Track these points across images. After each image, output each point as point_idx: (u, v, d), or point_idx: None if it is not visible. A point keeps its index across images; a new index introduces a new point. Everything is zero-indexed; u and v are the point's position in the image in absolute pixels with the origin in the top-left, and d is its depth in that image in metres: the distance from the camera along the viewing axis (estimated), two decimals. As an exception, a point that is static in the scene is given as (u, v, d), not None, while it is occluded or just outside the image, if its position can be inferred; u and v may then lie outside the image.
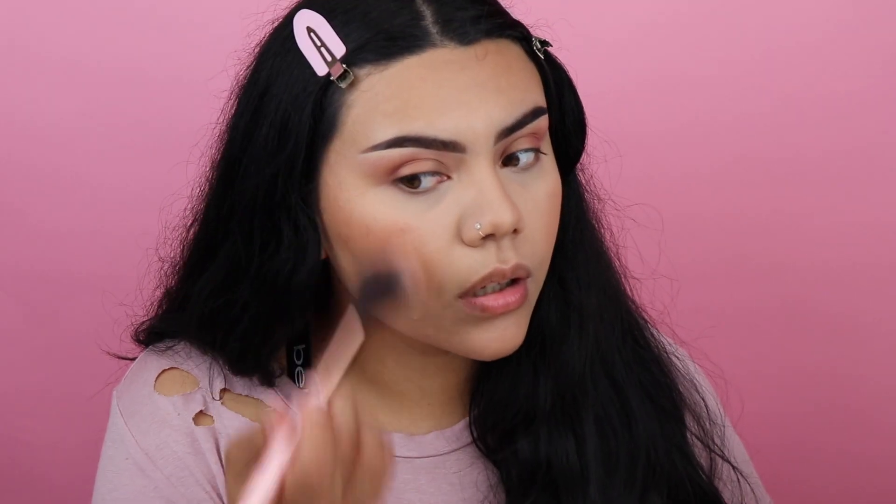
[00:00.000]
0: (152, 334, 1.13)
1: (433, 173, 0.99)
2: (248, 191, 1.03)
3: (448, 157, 0.98)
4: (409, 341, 1.07)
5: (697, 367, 1.23)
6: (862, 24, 1.54)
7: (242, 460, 0.88)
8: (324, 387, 0.89)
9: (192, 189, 1.10)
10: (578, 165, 1.13)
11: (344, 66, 0.99)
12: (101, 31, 1.49)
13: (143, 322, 1.14)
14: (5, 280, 1.53)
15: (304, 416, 0.86)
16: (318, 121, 1.00)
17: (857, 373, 1.61)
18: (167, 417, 1.07)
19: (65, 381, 1.55)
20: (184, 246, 1.11)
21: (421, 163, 0.98)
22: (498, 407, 1.10)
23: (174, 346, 1.11)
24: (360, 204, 1.00)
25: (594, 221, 1.13)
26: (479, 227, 0.98)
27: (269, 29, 1.05)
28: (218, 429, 1.07)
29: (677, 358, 1.20)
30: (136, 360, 1.13)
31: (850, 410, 1.62)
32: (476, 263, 0.99)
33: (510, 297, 1.00)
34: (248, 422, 1.08)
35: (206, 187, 1.09)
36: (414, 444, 1.10)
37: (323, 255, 1.04)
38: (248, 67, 1.06)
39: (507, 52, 1.02)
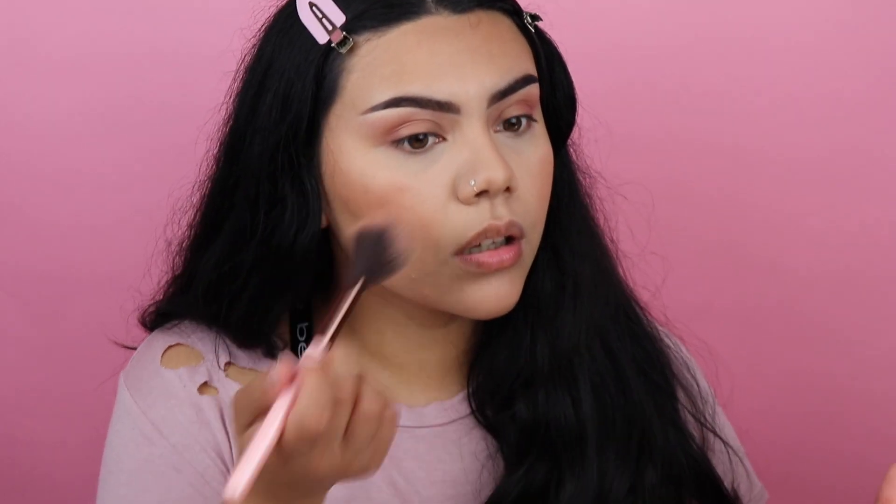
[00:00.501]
0: (158, 317, 1.16)
1: (429, 134, 1.03)
2: (252, 161, 1.06)
3: (443, 118, 1.03)
4: (409, 313, 1.11)
5: (689, 352, 1.27)
6: (862, 24, 1.55)
7: (248, 409, 0.90)
8: (323, 337, 0.90)
9: (200, 167, 1.13)
10: (572, 145, 1.17)
11: (344, 32, 1.04)
12: (102, 14, 1.50)
13: (150, 306, 1.17)
14: (5, 279, 1.53)
15: (303, 363, 0.88)
16: (319, 87, 1.04)
17: (850, 370, 1.62)
18: (173, 389, 1.10)
19: (65, 380, 1.55)
20: (191, 227, 1.14)
21: (417, 123, 1.03)
22: (496, 375, 1.13)
23: (179, 324, 1.14)
24: (359, 164, 1.04)
25: (586, 198, 1.17)
26: (473, 183, 1.02)
27: (273, 10, 1.10)
28: (222, 399, 1.10)
29: (668, 339, 1.24)
30: (142, 343, 1.16)
31: (843, 408, 1.63)
32: (471, 220, 1.03)
33: (505, 254, 1.04)
34: None
35: (213, 165, 1.12)
36: (414, 415, 1.13)
37: (325, 223, 1.08)
38: (253, 47, 1.10)
39: (498, 23, 1.08)
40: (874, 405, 1.60)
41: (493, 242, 1.05)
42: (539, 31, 1.12)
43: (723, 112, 1.55)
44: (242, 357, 1.12)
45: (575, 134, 1.17)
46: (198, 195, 1.14)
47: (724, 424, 1.26)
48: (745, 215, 1.58)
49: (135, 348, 1.17)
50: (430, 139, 1.04)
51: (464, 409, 1.14)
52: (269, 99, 1.06)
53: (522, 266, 1.07)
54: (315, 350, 0.89)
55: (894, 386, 1.61)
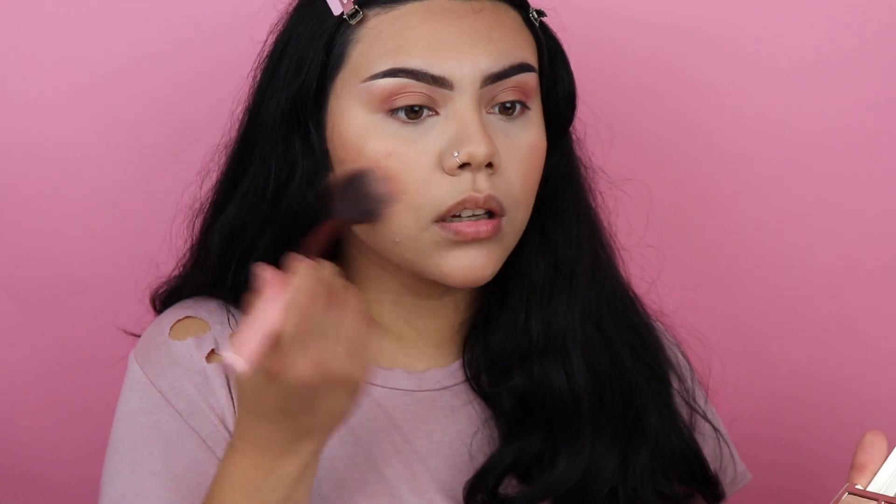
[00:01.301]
0: (168, 296, 1.23)
1: (423, 107, 1.11)
2: (268, 119, 1.15)
3: (437, 92, 1.10)
4: (405, 283, 1.18)
5: (679, 344, 1.31)
6: (862, 24, 1.56)
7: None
8: (310, 251, 0.97)
9: (221, 138, 1.22)
10: (576, 141, 1.22)
11: (356, 6, 1.12)
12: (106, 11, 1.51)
13: (160, 286, 1.25)
14: (5, 280, 1.53)
15: (295, 265, 0.95)
16: (329, 54, 1.13)
17: (850, 372, 1.63)
18: (180, 359, 1.16)
19: (65, 380, 1.55)
20: (212, 189, 1.22)
21: (412, 95, 1.10)
22: (492, 350, 1.19)
23: (186, 301, 1.21)
24: (356, 128, 1.12)
25: (586, 191, 1.23)
26: (456, 155, 1.10)
27: None
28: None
29: (661, 329, 1.29)
30: (151, 324, 1.22)
31: (838, 401, 1.63)
32: (452, 189, 1.10)
33: (483, 226, 1.11)
34: None
35: (237, 126, 1.21)
36: (413, 379, 1.19)
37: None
38: (282, 19, 1.19)
39: (503, 13, 1.15)
40: (872, 402, 1.62)
41: (474, 214, 1.11)
42: (544, 27, 1.18)
43: (723, 110, 1.58)
44: None
45: (579, 130, 1.22)
46: (223, 156, 1.21)
47: (712, 410, 1.31)
48: (746, 215, 1.60)
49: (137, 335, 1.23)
50: (424, 112, 1.11)
51: (460, 375, 1.21)
52: (286, 62, 1.15)
53: (502, 242, 1.14)
54: (300, 259, 0.96)
55: (894, 386, 1.62)
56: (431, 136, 1.11)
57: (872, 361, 1.63)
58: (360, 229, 1.15)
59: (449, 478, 1.17)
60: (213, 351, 1.16)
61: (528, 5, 1.17)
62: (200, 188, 1.24)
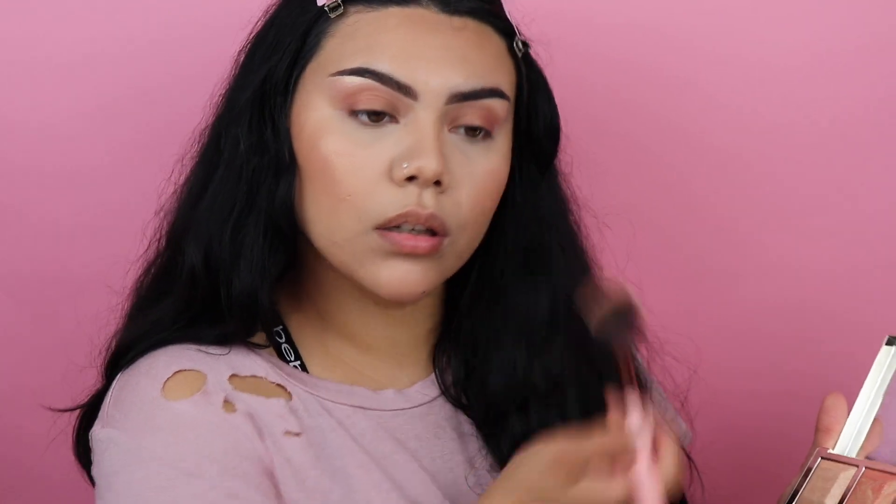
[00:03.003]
0: (123, 355, 1.15)
1: (384, 113, 1.10)
2: (240, 103, 1.14)
3: (400, 100, 1.10)
4: (365, 291, 1.15)
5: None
6: (862, 24, 1.56)
7: (567, 466, 0.96)
8: (634, 402, 0.96)
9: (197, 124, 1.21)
10: (562, 175, 1.22)
11: (338, 0, 1.11)
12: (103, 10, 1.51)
13: (110, 343, 1.18)
14: (4, 280, 1.54)
15: (637, 428, 0.96)
16: (304, 42, 1.13)
17: (848, 373, 1.61)
18: (193, 416, 1.09)
19: (65, 381, 1.55)
20: (185, 183, 1.20)
21: (375, 98, 1.10)
22: (493, 395, 1.19)
23: (152, 355, 1.13)
24: (316, 121, 1.12)
25: (574, 226, 1.23)
26: (406, 166, 1.09)
27: None
28: (247, 411, 1.10)
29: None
30: (114, 389, 1.14)
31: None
32: (396, 200, 1.10)
33: (421, 241, 1.11)
34: (264, 400, 1.12)
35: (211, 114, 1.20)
36: (405, 398, 1.19)
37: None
38: (268, 9, 1.19)
39: (485, 36, 1.14)
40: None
41: (414, 229, 1.10)
42: (528, 57, 1.16)
43: (717, 110, 1.58)
44: (238, 363, 1.14)
45: (566, 165, 1.21)
46: (197, 143, 1.20)
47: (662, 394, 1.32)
48: (741, 216, 1.60)
49: (75, 408, 1.20)
50: (385, 117, 1.10)
51: (437, 388, 1.21)
52: (265, 45, 1.15)
53: (439, 263, 1.13)
54: (638, 416, 0.96)
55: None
56: (386, 143, 1.10)
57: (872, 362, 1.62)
58: (308, 226, 1.13)
59: (456, 490, 1.17)
60: (225, 400, 1.11)
61: (514, 33, 1.16)
62: (173, 181, 1.21)
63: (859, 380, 1.58)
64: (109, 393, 1.13)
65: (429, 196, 1.10)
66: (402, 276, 1.11)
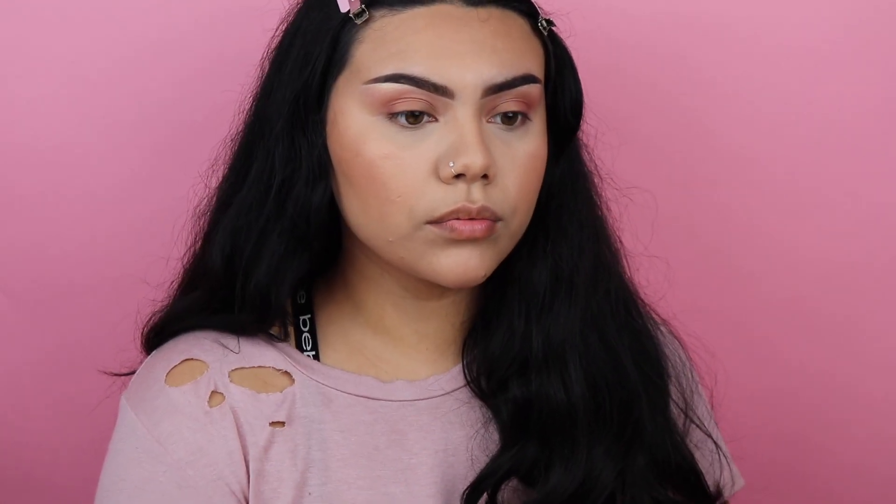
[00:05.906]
0: (161, 328, 1.21)
1: (423, 113, 1.10)
2: (273, 113, 1.15)
3: (438, 100, 1.10)
4: (405, 285, 1.18)
5: (686, 352, 1.31)
6: (862, 25, 1.56)
7: None
8: None
9: (228, 132, 1.21)
10: (585, 148, 1.22)
11: (363, 5, 1.11)
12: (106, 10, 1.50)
13: (151, 318, 1.22)
14: (5, 280, 1.52)
15: None
16: (333, 51, 1.12)
17: (854, 374, 1.63)
18: (179, 405, 1.14)
19: (65, 381, 1.55)
20: (218, 187, 1.21)
21: (413, 101, 1.10)
22: (491, 359, 1.19)
23: (177, 340, 1.19)
24: (355, 128, 1.11)
25: (595, 197, 1.23)
26: (452, 165, 1.09)
27: None
28: (231, 403, 1.15)
29: (662, 333, 1.29)
30: (142, 365, 1.20)
31: (845, 408, 1.63)
32: (446, 198, 1.10)
33: (477, 224, 1.11)
34: (255, 394, 1.16)
35: (242, 121, 1.20)
36: (416, 389, 1.19)
37: (333, 187, 1.14)
38: (290, 12, 1.18)
39: (510, 22, 1.14)
40: (881, 402, 1.62)
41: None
42: (553, 35, 1.16)
43: (728, 109, 1.57)
44: (248, 354, 1.17)
45: (589, 138, 1.21)
46: (228, 150, 1.21)
47: (710, 415, 1.32)
48: (754, 212, 1.59)
49: (127, 374, 1.23)
50: (424, 117, 1.10)
51: (461, 379, 1.21)
52: (292, 56, 1.14)
53: (496, 245, 1.13)
54: None
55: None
56: (429, 143, 1.10)
57: (883, 360, 1.63)
58: (357, 229, 1.14)
59: (453, 486, 1.17)
60: (213, 392, 1.15)
61: (537, 13, 1.16)
62: (206, 187, 1.23)
63: (872, 378, 1.60)
64: (142, 365, 1.20)
65: (477, 190, 1.10)
66: (464, 261, 1.11)
